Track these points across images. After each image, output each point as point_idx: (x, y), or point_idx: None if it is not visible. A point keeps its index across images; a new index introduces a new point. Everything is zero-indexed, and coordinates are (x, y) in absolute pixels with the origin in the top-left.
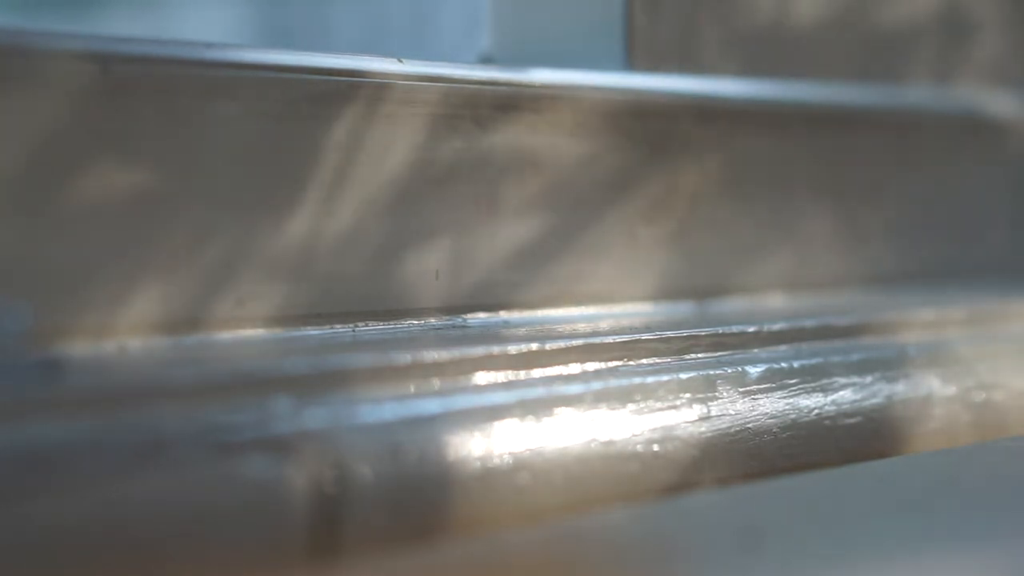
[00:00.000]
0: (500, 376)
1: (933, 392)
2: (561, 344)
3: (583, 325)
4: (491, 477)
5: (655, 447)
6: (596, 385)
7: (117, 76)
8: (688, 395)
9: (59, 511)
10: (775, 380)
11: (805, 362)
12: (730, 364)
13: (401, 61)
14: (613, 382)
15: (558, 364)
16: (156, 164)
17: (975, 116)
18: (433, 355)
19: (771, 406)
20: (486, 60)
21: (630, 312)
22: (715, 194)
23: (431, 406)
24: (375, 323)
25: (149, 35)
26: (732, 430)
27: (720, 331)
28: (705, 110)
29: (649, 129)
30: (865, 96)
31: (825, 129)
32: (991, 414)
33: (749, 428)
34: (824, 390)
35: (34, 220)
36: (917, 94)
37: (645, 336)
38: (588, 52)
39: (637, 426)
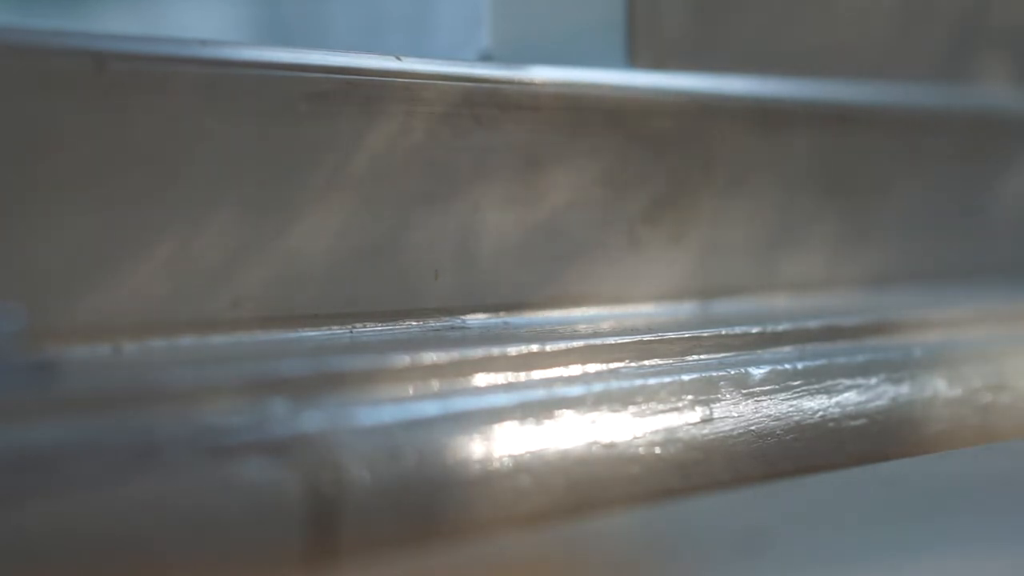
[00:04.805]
0: (500, 378)
1: (939, 394)
2: (562, 345)
3: (584, 326)
4: (491, 480)
5: (657, 449)
6: (597, 387)
7: (112, 73)
8: (690, 397)
9: (53, 514)
10: (779, 382)
11: (809, 363)
12: (733, 366)
13: (399, 59)
14: (614, 384)
15: (559, 366)
16: (152, 163)
17: (981, 114)
18: (432, 356)
19: (775, 408)
20: (486, 58)
21: (632, 313)
22: (718, 193)
23: (430, 408)
24: (373, 324)
25: (144, 32)
26: (735, 432)
27: (723, 332)
28: (708, 108)
29: (651, 128)
30: (870, 94)
31: (829, 128)
32: (998, 416)
33: (752, 430)
34: (828, 392)
35: (28, 220)
36: (922, 92)
37: (647, 337)
38: (589, 50)
39: (639, 428)
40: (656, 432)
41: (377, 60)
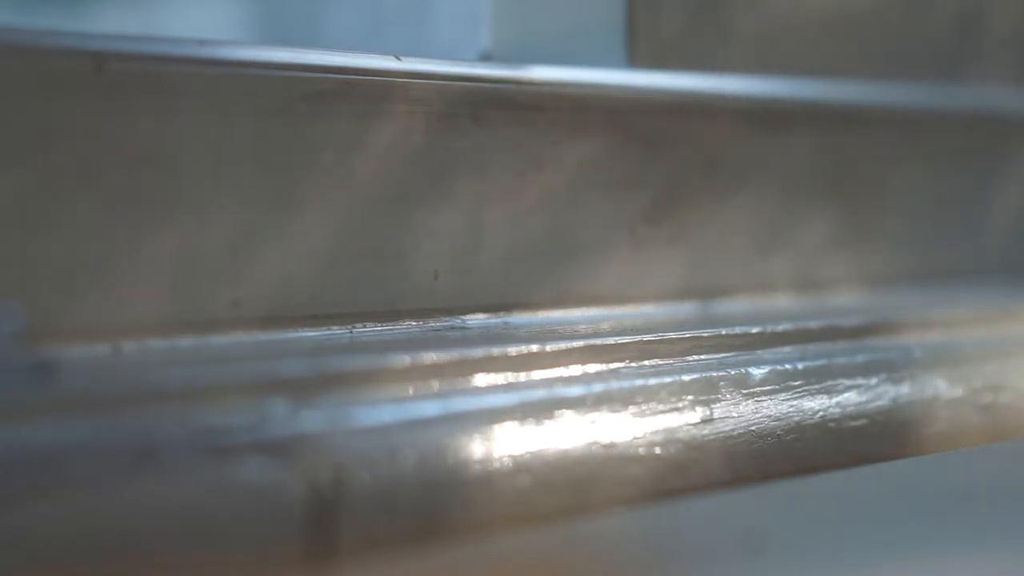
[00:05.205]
0: (500, 378)
1: (939, 394)
2: (562, 345)
3: (584, 326)
4: (491, 480)
5: (657, 450)
6: (597, 387)
7: (111, 74)
8: (691, 397)
9: (51, 515)
10: (779, 382)
11: (809, 364)
12: (733, 366)
13: (399, 59)
14: (615, 384)
15: (559, 366)
16: (151, 163)
17: (982, 114)
18: (432, 357)
19: (775, 408)
20: (486, 57)
21: (632, 313)
22: (718, 193)
23: (430, 408)
24: (373, 324)
25: (143, 32)
26: (735, 433)
27: (723, 332)
28: (708, 108)
29: (651, 127)
30: (871, 94)
31: (830, 128)
32: (999, 416)
33: (752, 431)
34: (829, 392)
35: (28, 220)
36: (923, 92)
37: (647, 337)
38: (589, 49)
39: (639, 428)
40: (656, 432)
41: (377, 60)
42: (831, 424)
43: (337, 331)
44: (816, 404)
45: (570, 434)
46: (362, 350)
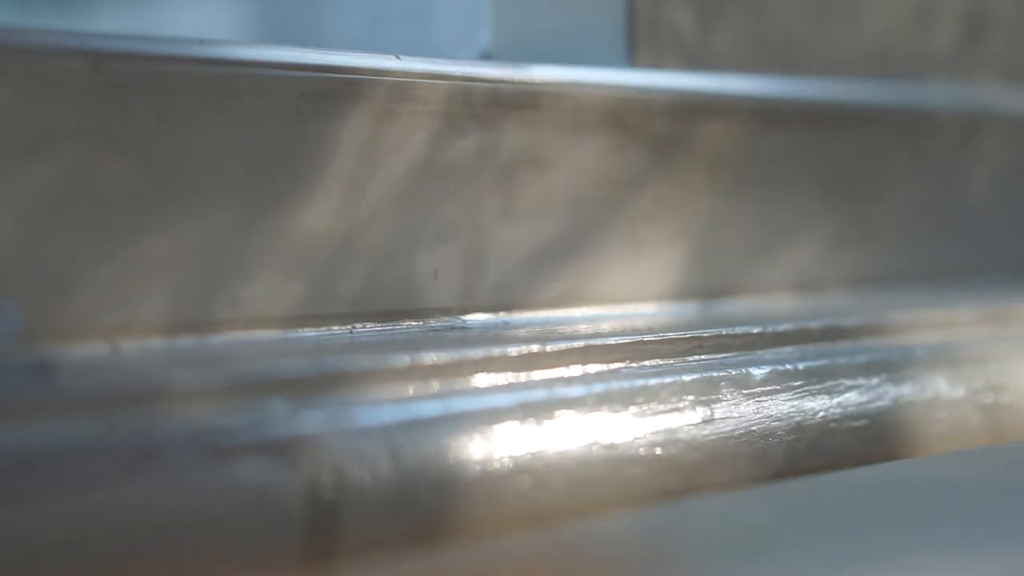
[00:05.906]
0: (500, 378)
1: (940, 394)
2: (562, 346)
3: (585, 326)
4: (491, 481)
5: (658, 450)
6: (598, 387)
7: (110, 73)
8: (691, 397)
9: (51, 515)
10: (780, 382)
11: (810, 364)
12: (734, 366)
13: (399, 58)
14: (615, 384)
15: (559, 366)
16: (150, 163)
17: (984, 114)
18: (432, 357)
19: (776, 408)
20: (486, 57)
21: (632, 313)
22: (719, 193)
23: (430, 409)
24: (373, 324)
25: (142, 32)
26: (736, 433)
27: (724, 332)
28: (709, 108)
29: (652, 127)
30: (872, 94)
31: (831, 127)
32: (1000, 416)
33: (753, 431)
34: (830, 392)
35: (26, 219)
36: (925, 92)
37: (648, 337)
38: (589, 49)
39: (639, 429)
40: (657, 433)
41: (377, 59)
42: (832, 424)
43: (337, 331)
44: (817, 404)
45: (570, 434)
46: (362, 350)
